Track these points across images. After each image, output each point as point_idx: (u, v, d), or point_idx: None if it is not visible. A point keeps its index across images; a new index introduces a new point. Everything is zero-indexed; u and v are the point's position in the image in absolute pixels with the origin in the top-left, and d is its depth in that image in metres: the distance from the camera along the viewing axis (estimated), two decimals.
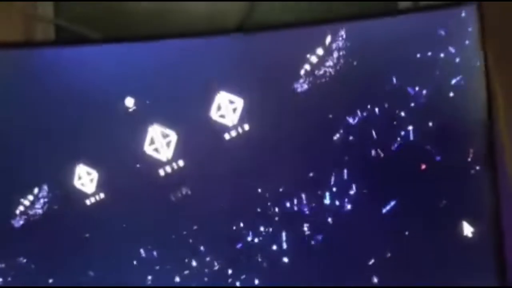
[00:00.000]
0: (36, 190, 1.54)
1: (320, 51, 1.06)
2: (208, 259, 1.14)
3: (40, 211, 1.87)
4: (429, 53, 1.00)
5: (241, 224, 1.13)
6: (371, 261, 1.06)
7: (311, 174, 1.05)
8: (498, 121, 1.03)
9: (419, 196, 1.02)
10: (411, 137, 1.00)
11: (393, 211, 1.02)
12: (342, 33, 1.02)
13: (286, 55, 1.08)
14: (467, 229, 0.99)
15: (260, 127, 1.12)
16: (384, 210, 1.03)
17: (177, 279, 1.17)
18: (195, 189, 1.19)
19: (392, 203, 1.03)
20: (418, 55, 1.01)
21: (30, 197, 1.85)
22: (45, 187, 1.60)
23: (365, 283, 1.04)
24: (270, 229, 1.09)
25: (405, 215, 1.02)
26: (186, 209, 1.20)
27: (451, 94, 1.00)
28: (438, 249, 1.03)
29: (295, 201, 1.10)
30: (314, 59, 1.07)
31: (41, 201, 1.88)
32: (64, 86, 1.21)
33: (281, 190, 1.07)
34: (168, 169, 1.24)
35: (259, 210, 1.10)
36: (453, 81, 1.00)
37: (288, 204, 1.09)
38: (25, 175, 1.20)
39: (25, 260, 1.37)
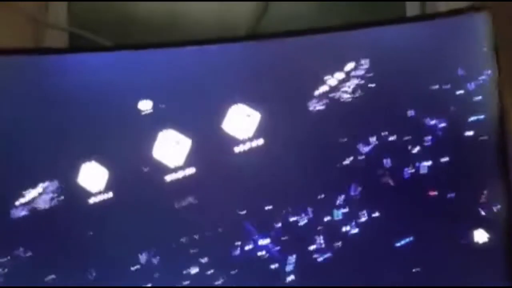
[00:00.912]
0: (46, 184, 1.57)
1: (340, 75, 1.06)
2: (208, 272, 1.13)
3: (46, 206, 1.90)
4: (447, 86, 0.99)
5: (240, 242, 1.12)
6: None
7: (319, 197, 1.04)
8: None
9: (426, 230, 0.99)
10: (424, 170, 0.98)
11: (400, 241, 1.00)
12: (363, 62, 1.02)
13: (304, 70, 1.08)
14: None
15: (272, 143, 1.12)
16: (392, 240, 1.01)
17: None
18: (200, 199, 1.19)
19: (399, 233, 1.01)
20: (436, 87, 1.01)
21: (40, 190, 1.88)
22: (56, 183, 1.63)
23: None
24: (275, 248, 1.08)
25: (413, 248, 1.00)
26: (189, 218, 1.20)
27: (468, 130, 0.99)
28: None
29: (301, 221, 1.08)
30: (333, 81, 1.07)
31: (49, 195, 1.90)
32: (77, 92, 1.23)
33: (288, 209, 1.06)
34: (176, 175, 1.24)
35: (263, 227, 1.09)
36: (471, 118, 0.99)
37: (294, 223, 1.08)
38: (36, 170, 1.23)
39: (23, 253, 1.38)
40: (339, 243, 1.03)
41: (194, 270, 1.14)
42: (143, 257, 1.30)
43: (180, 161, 1.31)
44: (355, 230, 1.01)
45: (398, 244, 1.02)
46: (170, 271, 1.19)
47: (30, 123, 1.34)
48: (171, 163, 1.31)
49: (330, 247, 1.05)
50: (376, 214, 1.02)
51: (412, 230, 1.03)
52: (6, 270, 1.46)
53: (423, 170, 1.00)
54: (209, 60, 1.23)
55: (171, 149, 1.34)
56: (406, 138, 1.03)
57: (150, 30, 1.58)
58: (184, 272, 1.14)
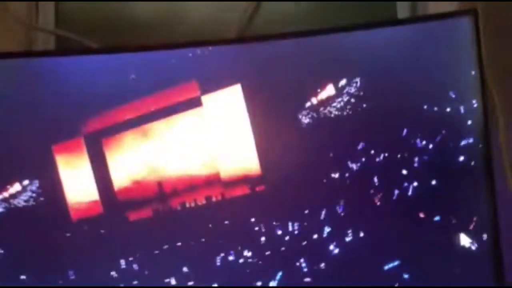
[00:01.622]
0: (26, 182, 1.55)
1: (331, 90, 1.05)
2: (189, 282, 1.10)
3: (23, 204, 1.86)
4: (436, 108, 0.98)
5: (223, 253, 1.10)
6: None
7: (305, 211, 1.03)
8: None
9: (414, 250, 0.98)
10: (411, 192, 0.97)
11: (386, 265, 0.98)
12: (357, 80, 1.01)
13: (295, 84, 1.07)
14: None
15: (260, 151, 1.11)
16: (378, 262, 0.99)
17: None
18: (184, 209, 1.18)
19: (385, 255, 0.99)
20: (428, 109, 1.00)
21: (18, 187, 1.85)
22: (36, 183, 1.61)
23: None
24: (260, 261, 1.06)
25: (399, 272, 0.98)
26: (178, 222, 1.19)
27: (458, 153, 0.98)
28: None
29: (285, 236, 1.06)
30: (323, 95, 1.06)
31: (28, 194, 1.86)
32: (64, 94, 1.23)
33: (274, 223, 1.04)
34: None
35: (249, 240, 1.07)
36: (463, 142, 0.98)
37: (278, 237, 1.06)
38: (18, 168, 1.22)
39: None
40: (322, 262, 1.01)
41: (174, 280, 1.12)
42: (123, 262, 1.28)
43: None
44: (338, 250, 1.00)
45: (385, 267, 1.00)
46: (150, 278, 1.17)
47: (17, 123, 1.33)
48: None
49: (313, 265, 1.04)
50: (361, 235, 1.01)
51: (398, 253, 1.02)
52: None
53: (411, 192, 0.99)
54: (198, 61, 1.22)
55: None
56: (396, 157, 1.02)
57: (140, 30, 1.56)
58: (166, 280, 1.11)
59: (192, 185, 1.93)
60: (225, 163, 1.54)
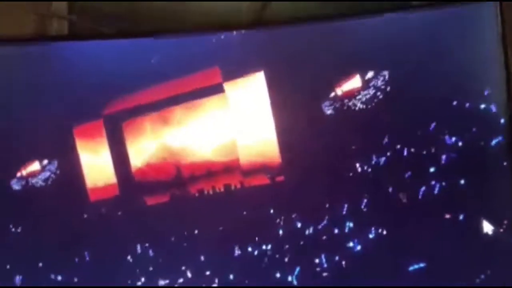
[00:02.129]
0: (45, 162, 1.59)
1: (357, 82, 1.02)
2: (206, 272, 1.08)
3: (41, 183, 1.89)
4: (467, 105, 0.94)
5: (242, 244, 1.09)
6: None
7: (326, 205, 1.00)
8: None
9: (440, 251, 0.93)
10: (438, 190, 0.93)
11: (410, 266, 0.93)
12: (385, 73, 0.98)
13: (322, 73, 1.04)
14: None
15: (282, 141, 1.09)
16: (400, 263, 0.94)
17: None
18: (202, 196, 1.17)
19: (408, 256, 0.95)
20: (458, 105, 0.96)
21: (37, 167, 1.89)
22: (55, 163, 1.64)
23: None
24: (278, 255, 1.03)
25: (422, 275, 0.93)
26: (196, 209, 1.19)
27: (489, 152, 0.94)
28: None
29: (306, 230, 1.03)
30: (349, 86, 1.03)
31: (47, 174, 1.89)
32: (86, 78, 1.24)
33: (293, 215, 1.02)
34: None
35: (267, 231, 1.05)
36: (494, 140, 0.94)
37: (297, 231, 1.03)
38: (38, 148, 1.24)
39: (15, 228, 1.38)
40: (343, 259, 0.98)
41: (189, 270, 1.11)
42: (138, 247, 1.27)
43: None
44: (359, 246, 0.96)
45: (410, 269, 0.95)
46: (166, 265, 1.17)
47: (40, 104, 1.35)
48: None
49: (333, 261, 1.00)
50: (384, 232, 0.97)
51: (423, 254, 0.97)
52: None
53: (437, 190, 0.95)
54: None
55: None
56: (422, 153, 0.98)
57: (155, 17, 1.56)
58: (182, 268, 1.10)
59: (211, 171, 1.92)
60: (245, 151, 1.51)
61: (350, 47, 1.02)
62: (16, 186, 2.14)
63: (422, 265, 0.84)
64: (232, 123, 1.73)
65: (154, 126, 2.07)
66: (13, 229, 1.47)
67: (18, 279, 1.51)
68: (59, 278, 1.29)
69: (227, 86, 1.65)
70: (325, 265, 0.91)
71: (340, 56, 1.03)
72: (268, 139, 1.47)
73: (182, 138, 2.08)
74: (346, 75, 1.02)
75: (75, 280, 1.15)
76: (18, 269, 1.38)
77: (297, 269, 0.91)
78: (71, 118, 1.49)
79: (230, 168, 1.85)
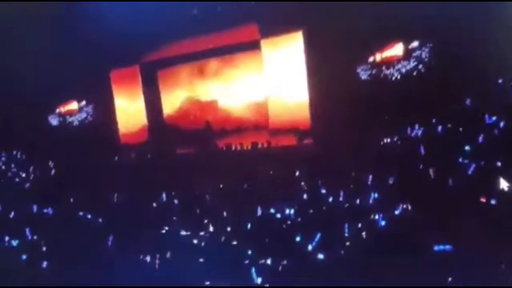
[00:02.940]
0: (83, 103, 1.65)
1: (399, 50, 0.98)
2: (227, 228, 1.09)
3: (78, 123, 1.94)
4: None
5: (266, 205, 1.09)
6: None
7: (352, 173, 0.98)
8: None
9: (469, 235, 0.89)
10: (472, 170, 0.89)
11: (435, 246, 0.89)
12: (429, 45, 0.93)
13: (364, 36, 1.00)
14: None
15: (315, 103, 1.07)
16: (425, 237, 0.91)
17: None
18: (229, 151, 1.17)
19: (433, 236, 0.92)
20: (503, 84, 0.91)
21: (75, 106, 1.94)
22: (92, 105, 1.70)
23: None
24: (300, 219, 1.03)
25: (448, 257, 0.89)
26: (222, 164, 1.20)
27: None
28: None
29: (330, 196, 1.02)
30: (389, 53, 0.99)
31: (83, 115, 1.94)
32: (126, 24, 1.24)
33: (318, 181, 1.01)
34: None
35: (292, 194, 1.05)
36: None
37: (323, 195, 1.02)
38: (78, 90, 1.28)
39: (46, 161, 1.43)
40: (364, 230, 0.96)
41: (211, 224, 1.12)
42: (164, 196, 1.30)
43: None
44: (382, 219, 0.94)
45: (435, 248, 0.91)
46: (188, 217, 1.18)
47: (80, 49, 1.38)
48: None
49: (354, 231, 0.98)
50: (409, 208, 0.94)
51: (450, 235, 0.93)
52: (34, 175, 1.52)
53: (471, 171, 0.91)
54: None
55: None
56: (459, 131, 0.94)
57: None
58: (205, 221, 1.12)
59: (240, 127, 1.93)
60: (276, 110, 1.50)
61: (396, 14, 0.97)
62: (53, 121, 2.22)
63: (448, 247, 0.81)
64: (266, 81, 1.72)
65: (189, 76, 2.07)
66: (46, 163, 1.52)
67: (48, 210, 1.58)
68: (89, 216, 1.35)
69: (264, 43, 1.61)
70: (346, 234, 0.90)
71: (385, 21, 0.99)
72: (300, 101, 1.46)
73: (215, 91, 2.09)
74: (389, 41, 0.97)
75: (99, 220, 1.19)
76: (48, 202, 1.43)
77: (318, 235, 0.91)
78: (109, 62, 1.51)
79: (259, 126, 1.85)
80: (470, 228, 0.83)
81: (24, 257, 1.34)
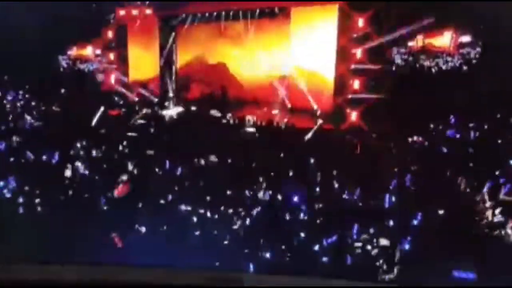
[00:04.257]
0: (98, 52, 1.61)
1: (446, 40, 0.87)
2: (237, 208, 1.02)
3: (91, 69, 1.86)
4: None
5: (273, 192, 1.01)
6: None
7: (371, 171, 0.90)
8: None
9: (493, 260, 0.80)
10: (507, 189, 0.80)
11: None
12: (480, 42, 0.82)
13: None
14: None
15: (340, 86, 0.97)
16: (441, 256, 0.84)
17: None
18: (242, 124, 1.09)
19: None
20: None
21: (89, 52, 1.87)
22: (106, 53, 1.63)
23: None
24: (310, 212, 0.96)
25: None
26: (233, 136, 1.12)
27: None
28: None
29: (344, 191, 0.95)
30: (435, 41, 0.88)
31: (96, 62, 1.84)
32: None
33: (334, 172, 0.93)
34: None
35: (302, 185, 0.97)
36: None
37: (336, 190, 0.95)
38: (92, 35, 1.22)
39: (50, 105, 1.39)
40: (376, 232, 0.89)
41: (215, 201, 1.06)
42: (168, 163, 1.23)
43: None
44: (395, 224, 0.86)
45: (454, 272, 0.84)
46: (191, 188, 1.11)
47: None
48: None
49: (365, 229, 0.91)
50: (429, 216, 0.87)
51: (471, 260, 0.85)
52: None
53: (507, 190, 0.82)
54: None
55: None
56: (497, 142, 0.85)
57: None
58: (207, 198, 1.05)
59: (257, 100, 1.82)
60: (298, 88, 1.39)
61: (453, 6, 0.86)
62: (63, 63, 2.11)
63: (471, 275, 0.72)
64: (291, 54, 1.59)
65: (208, 36, 1.94)
66: (50, 107, 1.45)
67: (56, 156, 1.53)
68: (93, 154, 1.30)
69: (294, 12, 1.49)
70: (355, 237, 0.83)
71: (437, 9, 0.87)
72: (325, 79, 1.35)
73: (235, 56, 1.97)
74: (438, 29, 0.86)
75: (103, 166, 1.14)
76: (54, 146, 1.39)
77: (329, 236, 0.84)
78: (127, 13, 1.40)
79: (278, 102, 1.75)
80: (495, 253, 0.76)
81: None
